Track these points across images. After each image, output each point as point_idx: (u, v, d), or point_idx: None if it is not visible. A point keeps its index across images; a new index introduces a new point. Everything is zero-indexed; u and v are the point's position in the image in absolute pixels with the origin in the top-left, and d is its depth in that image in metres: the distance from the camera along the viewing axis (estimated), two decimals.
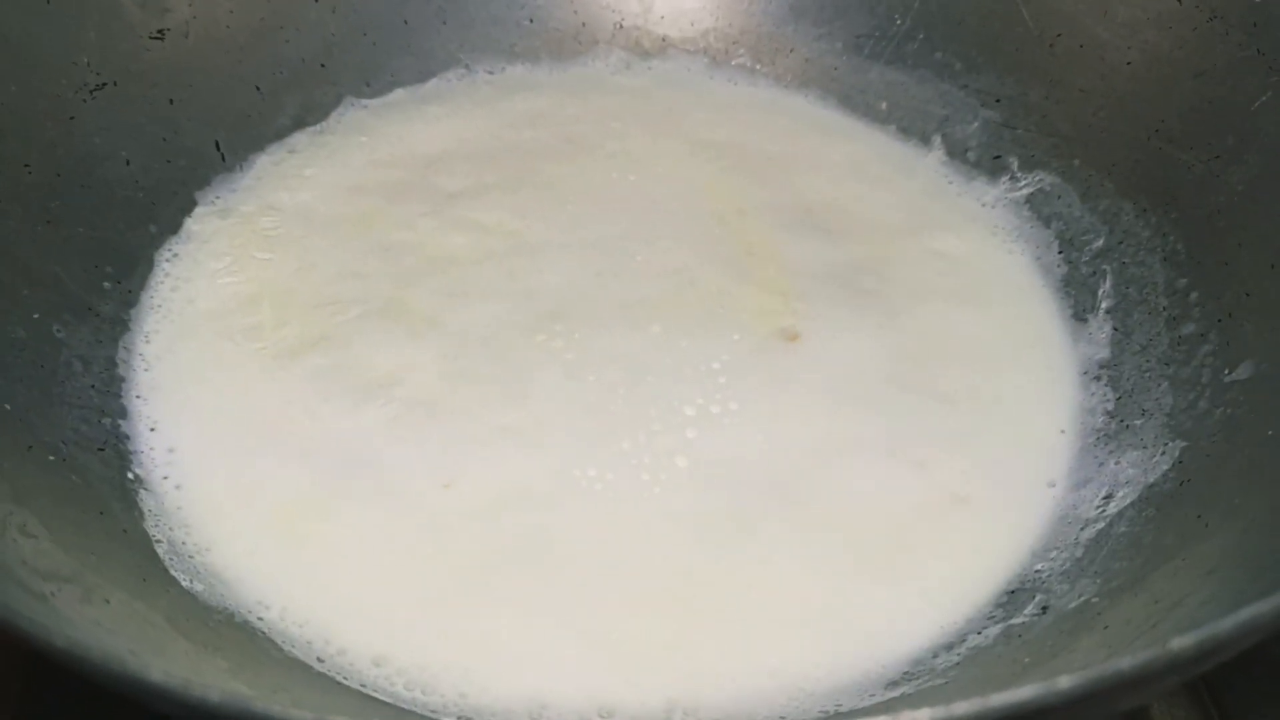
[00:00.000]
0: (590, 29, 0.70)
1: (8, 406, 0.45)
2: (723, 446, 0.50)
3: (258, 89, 0.63)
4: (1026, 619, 0.45)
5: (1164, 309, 0.54)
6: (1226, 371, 0.49)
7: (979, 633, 0.45)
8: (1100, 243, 0.58)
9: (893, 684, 0.44)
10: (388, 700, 0.42)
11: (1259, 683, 0.50)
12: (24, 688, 0.48)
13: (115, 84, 0.57)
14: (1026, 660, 0.42)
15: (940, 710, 0.24)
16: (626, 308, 0.55)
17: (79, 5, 0.56)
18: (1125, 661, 0.25)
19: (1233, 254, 0.52)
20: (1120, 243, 0.57)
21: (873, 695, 0.43)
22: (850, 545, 0.48)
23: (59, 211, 0.53)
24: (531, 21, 0.70)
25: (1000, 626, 0.45)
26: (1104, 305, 0.56)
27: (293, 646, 0.44)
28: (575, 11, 0.70)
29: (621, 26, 0.70)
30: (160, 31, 0.60)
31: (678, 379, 0.52)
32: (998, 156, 0.64)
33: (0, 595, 0.30)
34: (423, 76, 0.67)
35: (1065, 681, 0.25)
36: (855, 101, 0.68)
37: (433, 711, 0.43)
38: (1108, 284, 0.57)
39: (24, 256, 0.50)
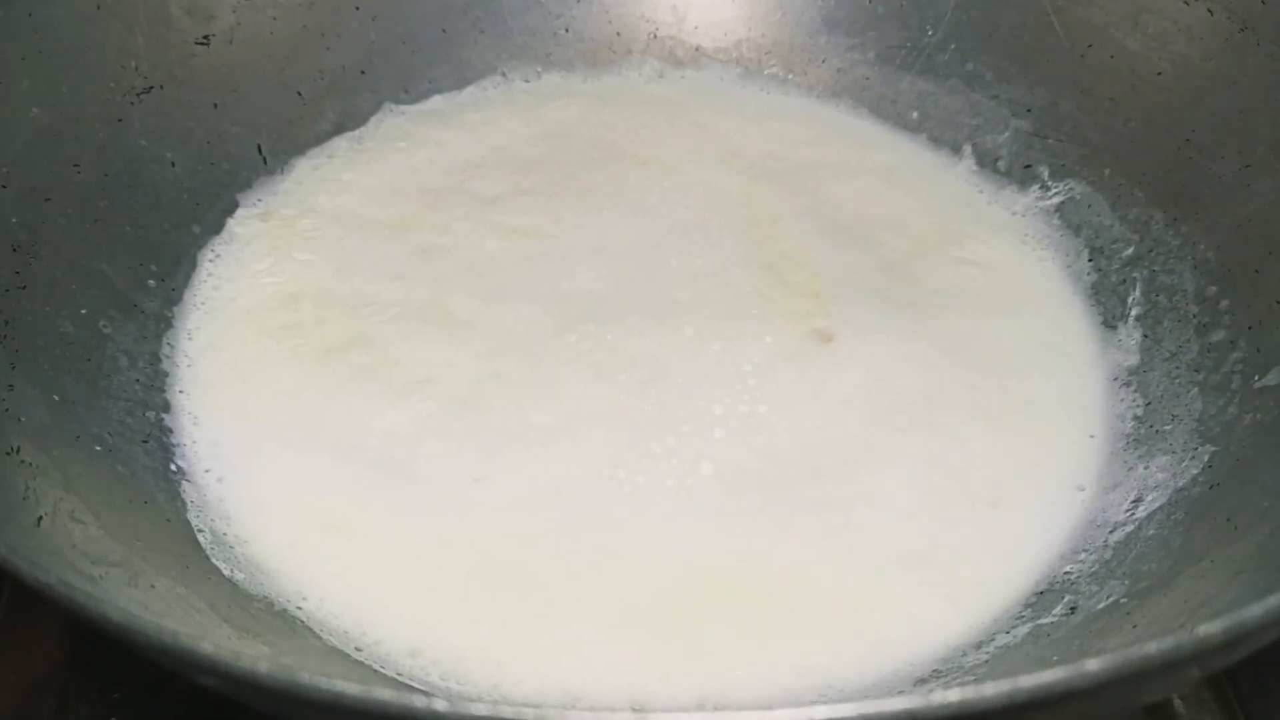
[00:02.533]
0: (625, 39, 0.71)
1: (57, 398, 0.47)
2: (753, 447, 0.50)
3: (299, 94, 0.64)
4: (1055, 619, 0.45)
5: (1194, 316, 0.54)
6: (1256, 378, 0.50)
7: (1008, 632, 0.45)
8: (1130, 251, 0.59)
9: (921, 681, 0.44)
10: (424, 689, 0.43)
11: None
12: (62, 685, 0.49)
13: (162, 88, 0.59)
14: (1054, 658, 0.42)
15: (970, 691, 0.25)
16: (659, 310, 0.56)
17: (128, 11, 0.58)
18: (1152, 646, 0.25)
19: (1262, 262, 0.53)
20: (1150, 251, 0.58)
21: (901, 692, 0.44)
22: (880, 546, 0.48)
23: (107, 211, 0.54)
24: (567, 31, 0.71)
25: (1029, 626, 0.45)
26: (1134, 312, 0.57)
27: (331, 635, 0.44)
28: (610, 21, 0.71)
29: (656, 36, 0.71)
30: (206, 38, 0.61)
31: (709, 380, 0.53)
32: (1028, 166, 0.64)
33: (56, 574, 0.31)
34: (460, 84, 0.69)
35: (1093, 665, 0.25)
36: (887, 111, 0.68)
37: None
38: (1137, 292, 0.57)
39: (73, 254, 0.52)
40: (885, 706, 0.24)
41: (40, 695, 0.49)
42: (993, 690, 0.25)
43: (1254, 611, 0.26)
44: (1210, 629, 0.26)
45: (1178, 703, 0.51)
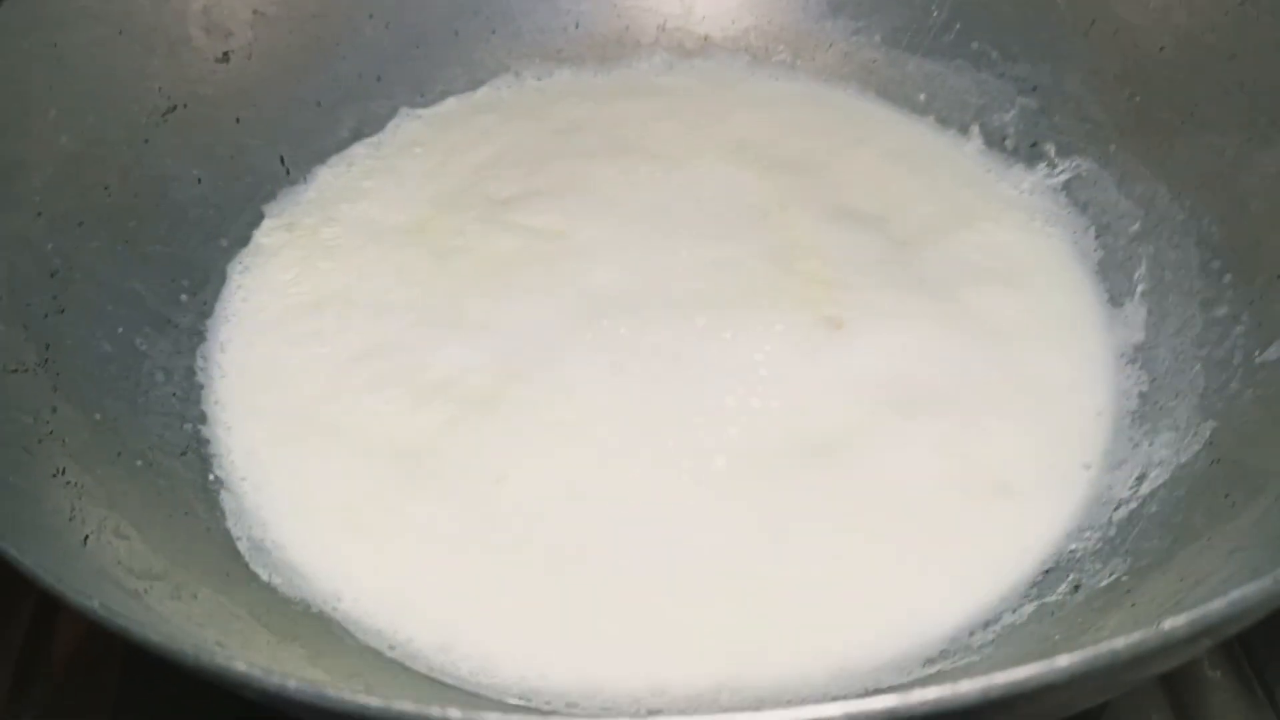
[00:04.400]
0: (633, 31, 0.72)
1: (98, 417, 0.49)
2: (764, 437, 0.52)
3: (318, 104, 0.66)
4: (1059, 597, 0.46)
5: (1198, 292, 0.55)
6: (1257, 353, 0.51)
7: (1014, 611, 0.47)
8: (1136, 227, 0.59)
9: (930, 661, 0.46)
10: (454, 684, 0.45)
11: None
12: (121, 683, 0.52)
13: (185, 107, 0.61)
14: (1057, 637, 0.44)
15: (946, 689, 0.26)
16: (672, 302, 0.57)
17: (149, 34, 0.60)
18: (1120, 642, 0.27)
19: (1264, 235, 0.53)
20: (1155, 226, 0.58)
21: (911, 673, 0.45)
22: (891, 530, 0.50)
23: (137, 231, 0.57)
24: (577, 27, 0.72)
25: (1034, 604, 0.47)
26: (1140, 289, 0.58)
27: (365, 635, 0.47)
28: (619, 15, 0.72)
29: (664, 28, 0.72)
30: (225, 55, 0.63)
31: (722, 371, 0.54)
32: (1035, 144, 0.65)
33: (99, 595, 0.34)
34: (473, 85, 0.70)
35: (1064, 660, 0.27)
36: (894, 93, 0.69)
37: (497, 694, 0.46)
38: (1143, 268, 0.58)
39: (107, 275, 0.54)
40: (865, 706, 0.26)
41: None
42: (967, 688, 0.26)
43: (1216, 606, 0.27)
44: (1175, 623, 0.27)
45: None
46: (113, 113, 0.58)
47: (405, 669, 0.45)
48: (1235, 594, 0.28)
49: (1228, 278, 0.54)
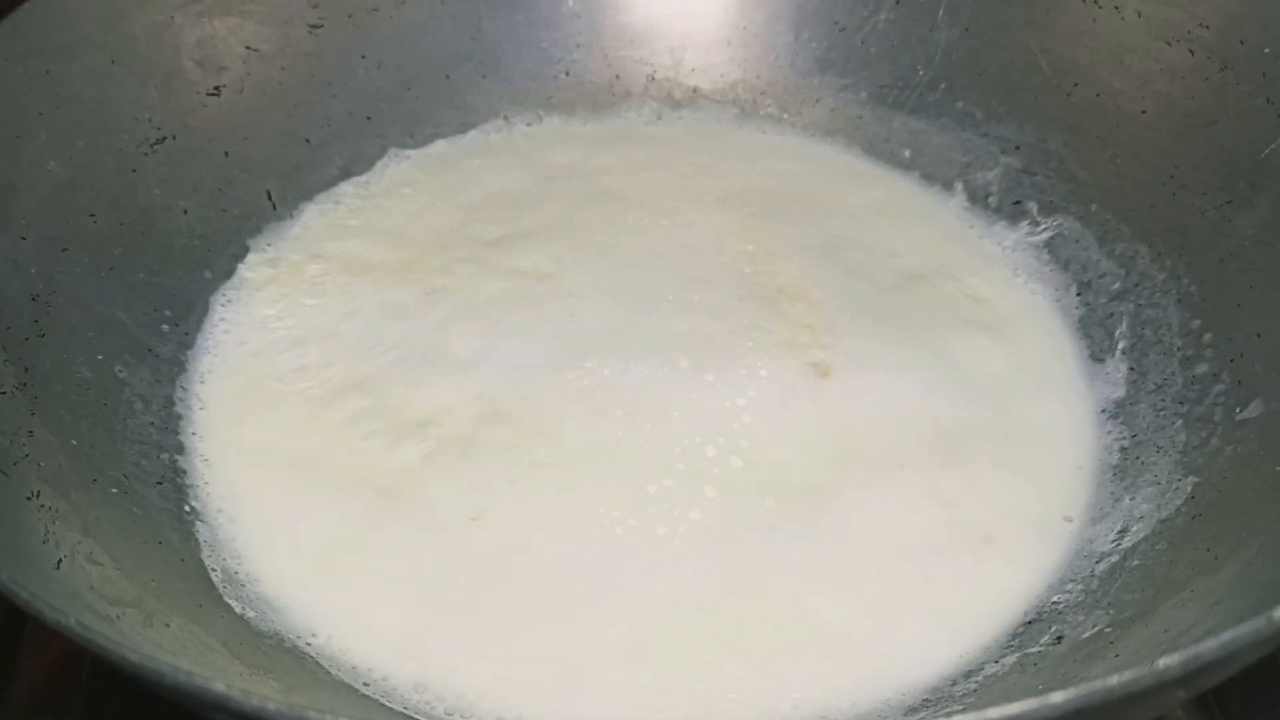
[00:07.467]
0: (624, 81, 0.73)
1: (74, 442, 0.48)
2: (747, 483, 0.52)
3: (307, 141, 0.66)
4: (1041, 648, 0.46)
5: (1178, 349, 0.56)
6: (1238, 410, 0.51)
7: (996, 662, 0.47)
8: (1117, 285, 0.60)
9: (912, 710, 0.45)
10: None
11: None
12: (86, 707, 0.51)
13: (174, 138, 0.61)
14: (1040, 687, 0.43)
15: None
16: (656, 345, 0.57)
17: (142, 65, 0.60)
18: (1114, 679, 0.27)
19: (1244, 296, 0.54)
20: (1136, 285, 0.59)
21: None
22: (874, 580, 0.49)
23: (122, 259, 0.56)
24: (567, 75, 0.72)
25: (1016, 656, 0.46)
26: (1120, 346, 0.58)
27: (339, 671, 0.46)
28: (609, 65, 0.73)
29: (654, 79, 0.73)
30: (217, 88, 0.63)
31: (705, 415, 0.54)
32: (1018, 202, 0.66)
33: (75, 616, 0.33)
34: (463, 128, 0.70)
35: (1058, 697, 0.26)
36: (880, 149, 0.70)
37: None
38: (1124, 325, 0.58)
39: (89, 301, 0.54)
40: None
41: None
42: None
43: (1210, 645, 0.27)
44: (1169, 661, 0.27)
45: None
46: (103, 141, 0.57)
47: (380, 706, 0.44)
48: (1227, 634, 0.28)
49: (1208, 336, 0.55)
